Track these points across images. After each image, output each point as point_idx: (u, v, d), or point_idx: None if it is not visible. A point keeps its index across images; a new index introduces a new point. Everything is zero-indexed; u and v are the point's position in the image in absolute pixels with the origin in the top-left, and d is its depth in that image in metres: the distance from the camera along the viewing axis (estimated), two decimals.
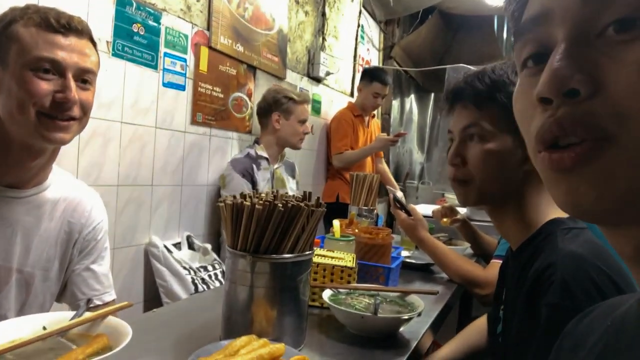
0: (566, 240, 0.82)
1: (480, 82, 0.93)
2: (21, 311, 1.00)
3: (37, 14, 0.89)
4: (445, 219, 2.00)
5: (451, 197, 2.48)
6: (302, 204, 0.86)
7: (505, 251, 1.20)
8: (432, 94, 6.15)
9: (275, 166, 2.45)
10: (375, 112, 3.68)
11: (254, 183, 2.25)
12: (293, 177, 2.62)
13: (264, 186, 2.31)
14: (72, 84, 0.90)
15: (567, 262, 0.76)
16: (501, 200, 0.94)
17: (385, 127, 4.86)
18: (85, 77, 0.94)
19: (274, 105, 2.37)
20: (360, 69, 3.94)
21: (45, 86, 0.88)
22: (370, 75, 3.39)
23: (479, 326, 1.30)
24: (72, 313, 0.83)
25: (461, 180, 0.97)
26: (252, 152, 2.37)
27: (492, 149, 0.92)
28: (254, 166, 2.30)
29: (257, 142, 2.44)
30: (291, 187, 2.56)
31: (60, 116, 0.90)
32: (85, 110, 0.95)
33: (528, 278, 0.82)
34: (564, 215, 0.89)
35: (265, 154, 2.39)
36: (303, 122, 2.42)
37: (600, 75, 0.32)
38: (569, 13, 0.34)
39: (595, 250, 0.77)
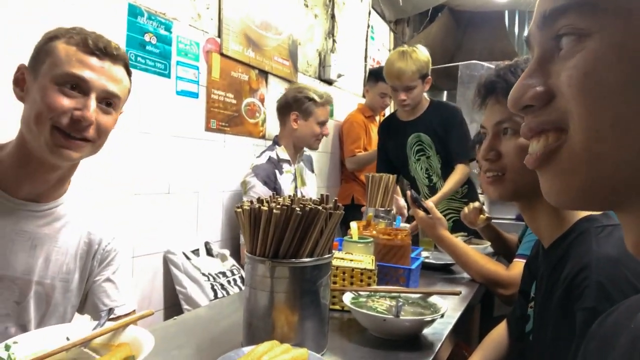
0: (600, 240, 0.79)
1: (513, 75, 0.91)
2: (41, 322, 1.01)
3: (78, 35, 0.92)
4: (480, 218, 1.93)
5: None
6: (319, 207, 0.85)
7: (528, 250, 1.17)
8: (445, 92, 6.11)
9: (296, 165, 2.37)
10: (384, 111, 3.65)
11: (276, 190, 2.16)
12: (312, 170, 2.54)
13: (288, 190, 2.24)
14: (93, 104, 0.91)
15: (601, 265, 0.74)
16: (535, 195, 0.92)
17: None
18: (109, 101, 0.95)
19: (294, 105, 2.28)
20: None
21: (66, 102, 0.89)
22: (375, 75, 3.34)
23: (495, 339, 1.22)
24: (94, 323, 0.83)
25: (496, 174, 0.96)
26: (273, 155, 2.27)
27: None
28: (277, 172, 2.22)
29: (276, 142, 2.35)
30: (311, 184, 2.49)
31: (74, 134, 0.90)
32: (101, 133, 0.95)
33: (560, 280, 0.80)
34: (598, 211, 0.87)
35: (286, 156, 2.31)
36: (322, 123, 2.35)
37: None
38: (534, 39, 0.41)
39: None
